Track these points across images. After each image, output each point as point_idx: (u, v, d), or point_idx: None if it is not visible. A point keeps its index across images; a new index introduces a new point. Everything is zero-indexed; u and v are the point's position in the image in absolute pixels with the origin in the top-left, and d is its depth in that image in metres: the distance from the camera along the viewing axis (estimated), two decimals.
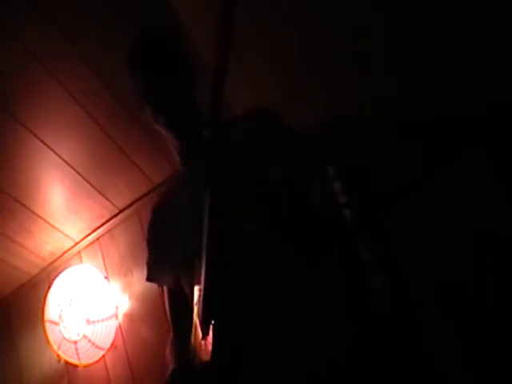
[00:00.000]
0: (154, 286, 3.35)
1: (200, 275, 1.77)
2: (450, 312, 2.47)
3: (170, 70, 2.04)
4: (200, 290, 1.80)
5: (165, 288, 2.21)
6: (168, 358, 2.09)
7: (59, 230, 3.75)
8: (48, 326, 3.61)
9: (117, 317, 3.60)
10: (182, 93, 2.04)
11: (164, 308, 2.26)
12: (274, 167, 1.98)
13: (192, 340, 1.90)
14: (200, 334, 1.80)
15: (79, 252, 3.95)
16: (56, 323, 3.54)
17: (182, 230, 2.05)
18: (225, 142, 1.69)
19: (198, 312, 1.84)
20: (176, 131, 2.08)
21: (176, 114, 2.03)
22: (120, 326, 3.59)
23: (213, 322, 1.75)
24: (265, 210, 1.91)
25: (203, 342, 1.78)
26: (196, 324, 1.85)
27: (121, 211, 3.79)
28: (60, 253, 3.98)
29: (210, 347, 1.74)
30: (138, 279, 3.59)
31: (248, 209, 1.90)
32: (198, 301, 1.83)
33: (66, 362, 3.67)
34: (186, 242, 1.97)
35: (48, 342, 3.65)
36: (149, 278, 2.24)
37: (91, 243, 3.91)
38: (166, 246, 2.14)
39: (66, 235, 3.82)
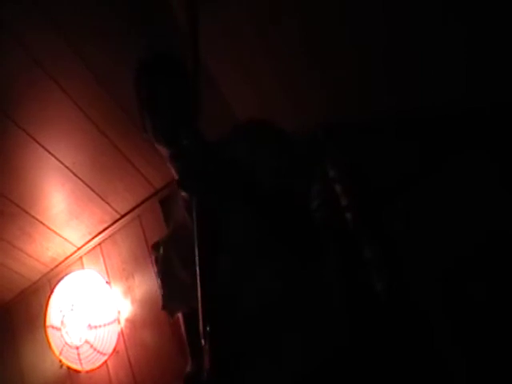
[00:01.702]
0: (155, 290, 3.38)
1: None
2: (452, 311, 2.46)
3: (174, 81, 2.05)
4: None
5: (180, 315, 2.23)
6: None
7: (60, 236, 3.75)
8: (50, 331, 3.61)
9: (119, 322, 3.60)
10: (184, 105, 2.04)
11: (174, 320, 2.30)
12: (268, 178, 1.97)
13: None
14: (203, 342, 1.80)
15: (81, 257, 3.95)
16: (58, 329, 3.54)
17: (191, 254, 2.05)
18: (205, 151, 1.72)
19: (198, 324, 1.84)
20: (174, 147, 2.08)
21: (176, 124, 2.03)
22: (122, 330, 3.59)
23: (208, 328, 1.75)
24: (260, 212, 1.91)
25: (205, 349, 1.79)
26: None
27: (122, 216, 3.79)
28: (61, 258, 3.98)
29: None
30: (140, 284, 3.59)
31: (241, 212, 1.90)
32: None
33: (68, 368, 3.67)
34: (191, 261, 1.98)
35: (50, 347, 3.64)
36: (164, 308, 2.29)
37: (93, 248, 3.91)
38: (178, 274, 2.15)
39: (68, 240, 3.82)
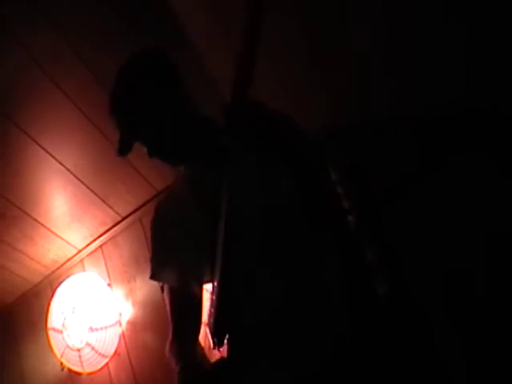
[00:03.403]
0: (157, 292, 3.36)
1: (211, 278, 1.78)
2: (452, 311, 2.46)
3: (154, 106, 2.00)
4: (211, 299, 1.80)
5: (166, 286, 2.18)
6: (170, 358, 2.06)
7: (62, 238, 3.75)
8: (51, 333, 3.62)
9: (120, 324, 3.61)
10: (171, 131, 2.01)
11: (166, 311, 2.24)
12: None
13: (200, 344, 1.90)
14: (211, 343, 1.79)
15: (82, 260, 3.96)
16: (59, 331, 3.54)
17: (189, 229, 2.03)
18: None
19: (208, 321, 1.83)
20: (175, 162, 2.09)
21: (174, 155, 2.02)
22: (123, 333, 3.59)
23: (227, 336, 1.75)
24: (268, 212, 1.91)
25: (214, 350, 1.79)
26: (206, 332, 1.84)
27: (124, 218, 3.79)
28: (63, 260, 3.99)
29: (223, 355, 1.75)
30: (141, 286, 3.59)
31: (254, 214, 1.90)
32: (209, 310, 1.82)
33: (70, 370, 3.67)
34: (194, 242, 1.96)
35: (51, 349, 3.66)
36: (153, 276, 2.19)
37: (94, 251, 3.92)
38: (172, 244, 2.11)
39: (69, 243, 3.82)
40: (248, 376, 1.80)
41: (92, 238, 3.88)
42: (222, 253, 1.73)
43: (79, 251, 3.94)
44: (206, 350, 1.87)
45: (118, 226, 3.81)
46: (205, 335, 1.87)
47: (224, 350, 1.76)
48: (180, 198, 2.13)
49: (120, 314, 3.62)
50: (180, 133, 1.99)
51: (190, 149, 2.03)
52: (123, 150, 2.03)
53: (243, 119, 1.71)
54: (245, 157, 1.82)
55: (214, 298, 1.78)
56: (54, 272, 4.05)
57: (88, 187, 3.44)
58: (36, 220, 3.53)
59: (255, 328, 1.80)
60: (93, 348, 3.44)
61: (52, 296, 3.72)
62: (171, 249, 2.10)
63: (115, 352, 3.55)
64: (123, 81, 2.09)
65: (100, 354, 3.46)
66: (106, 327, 3.47)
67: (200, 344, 1.92)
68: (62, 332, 3.53)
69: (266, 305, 1.80)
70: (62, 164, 3.21)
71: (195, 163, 2.07)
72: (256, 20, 1.46)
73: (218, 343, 1.77)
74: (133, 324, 3.58)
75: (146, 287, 3.54)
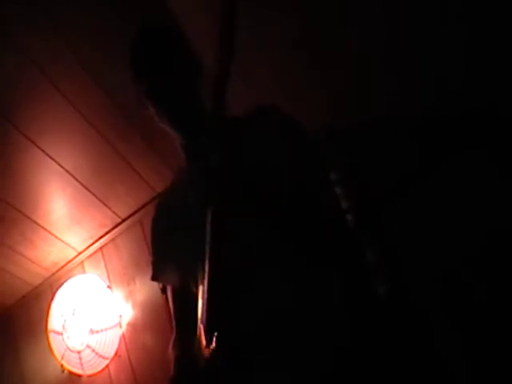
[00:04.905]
0: (157, 294, 3.35)
1: (203, 278, 1.77)
2: (452, 311, 2.46)
3: (172, 68, 2.01)
4: (203, 295, 1.79)
5: (169, 287, 2.18)
6: (171, 357, 2.07)
7: (61, 240, 3.74)
8: (51, 336, 3.61)
9: (120, 326, 3.59)
10: (185, 90, 2.02)
11: (168, 314, 2.24)
12: (285, 175, 1.96)
13: (196, 341, 1.89)
14: (204, 341, 1.79)
15: (82, 262, 3.94)
16: (59, 333, 3.53)
17: (187, 228, 2.03)
18: (226, 150, 1.71)
19: (201, 318, 1.82)
20: (181, 129, 2.07)
21: (180, 112, 2.01)
22: (123, 334, 3.58)
23: (216, 333, 1.74)
24: (267, 210, 1.90)
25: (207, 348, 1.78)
26: (200, 329, 1.84)
27: (123, 220, 3.78)
28: (63, 263, 3.97)
29: (215, 354, 1.74)
30: (141, 288, 3.57)
31: (250, 213, 1.89)
32: (202, 307, 1.82)
33: (70, 372, 3.64)
34: (192, 241, 1.96)
35: (51, 352, 3.64)
36: (154, 277, 2.19)
37: (94, 253, 3.90)
38: (171, 244, 2.10)
39: (69, 245, 3.81)
40: (247, 375, 1.79)
41: (92, 240, 3.86)
42: (209, 252, 1.73)
43: (79, 253, 3.92)
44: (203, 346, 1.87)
45: (118, 228, 3.80)
46: (199, 333, 1.86)
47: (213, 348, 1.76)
48: (181, 197, 2.13)
49: (120, 316, 3.61)
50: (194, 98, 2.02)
51: (194, 116, 2.03)
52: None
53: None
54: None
55: (204, 297, 1.78)
56: (54, 274, 4.03)
57: (87, 189, 3.43)
58: (36, 222, 3.52)
59: (252, 328, 1.79)
60: (93, 350, 3.43)
61: (52, 298, 3.71)
62: (171, 249, 2.10)
63: (115, 354, 3.53)
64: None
65: (100, 355, 3.45)
66: (106, 329, 3.47)
67: (200, 340, 1.92)
68: (62, 334, 3.52)
69: (264, 305, 1.79)
70: (61, 166, 3.20)
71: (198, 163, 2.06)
72: (231, 20, 1.46)
73: (209, 342, 1.77)
74: (133, 326, 3.56)
75: (145, 289, 3.53)
